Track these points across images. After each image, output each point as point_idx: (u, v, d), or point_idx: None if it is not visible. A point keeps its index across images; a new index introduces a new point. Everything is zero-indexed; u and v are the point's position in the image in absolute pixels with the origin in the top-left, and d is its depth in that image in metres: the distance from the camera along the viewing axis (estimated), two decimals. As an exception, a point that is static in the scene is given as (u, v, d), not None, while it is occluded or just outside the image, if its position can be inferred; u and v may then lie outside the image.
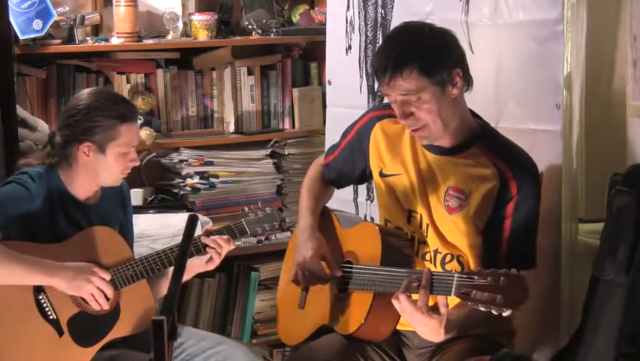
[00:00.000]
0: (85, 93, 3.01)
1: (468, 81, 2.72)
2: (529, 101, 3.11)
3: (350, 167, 3.03)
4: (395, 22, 3.60)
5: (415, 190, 2.80)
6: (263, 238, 3.11)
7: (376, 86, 3.63)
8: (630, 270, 2.67)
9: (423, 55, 2.63)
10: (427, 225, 2.78)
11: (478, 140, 2.75)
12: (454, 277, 2.46)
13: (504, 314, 2.36)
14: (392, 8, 3.66)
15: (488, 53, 3.24)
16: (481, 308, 2.38)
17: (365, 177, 3.02)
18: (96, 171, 2.95)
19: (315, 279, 2.88)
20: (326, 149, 3.45)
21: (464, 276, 2.44)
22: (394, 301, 2.56)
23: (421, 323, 2.53)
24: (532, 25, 3.07)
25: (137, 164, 3.00)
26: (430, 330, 2.53)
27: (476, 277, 2.41)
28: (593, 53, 3.09)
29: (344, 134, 3.06)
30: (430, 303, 2.52)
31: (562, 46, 2.96)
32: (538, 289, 3.04)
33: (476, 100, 3.21)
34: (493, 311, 2.36)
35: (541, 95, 3.06)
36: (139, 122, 3.02)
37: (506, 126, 3.13)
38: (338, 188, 3.16)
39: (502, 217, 2.69)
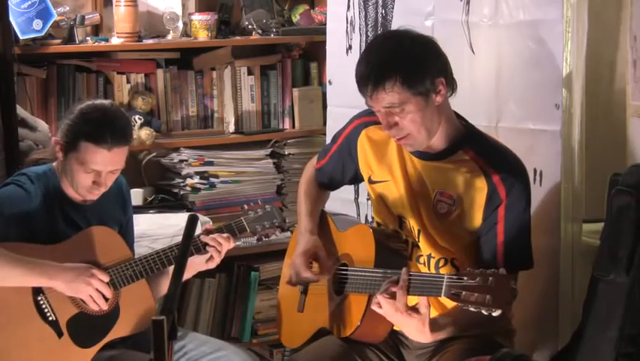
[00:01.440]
0: (90, 102, 2.99)
1: (452, 86, 2.71)
2: (529, 101, 3.12)
3: (340, 172, 3.04)
4: (396, 22, 3.60)
5: (404, 197, 2.80)
6: (263, 235, 3.10)
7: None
8: (630, 270, 2.67)
9: (405, 68, 2.61)
10: (419, 230, 2.78)
11: (464, 143, 2.74)
12: (443, 278, 2.47)
13: (494, 314, 2.36)
14: (393, 8, 3.66)
15: (488, 53, 3.25)
16: (471, 309, 2.38)
17: (357, 179, 3.03)
18: (67, 174, 2.94)
19: (301, 277, 2.89)
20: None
21: (454, 277, 2.45)
22: (374, 306, 2.57)
23: (403, 323, 2.56)
24: (533, 25, 3.07)
25: (101, 189, 2.94)
26: (415, 330, 2.55)
27: (466, 278, 2.41)
28: (593, 53, 3.09)
29: (334, 140, 3.06)
30: (414, 303, 2.54)
31: (562, 46, 2.96)
32: (537, 290, 3.05)
33: (476, 100, 3.23)
34: (483, 311, 2.36)
35: (541, 95, 3.06)
36: (117, 152, 2.90)
37: (506, 126, 3.14)
38: (331, 191, 3.16)
39: (494, 222, 2.69)
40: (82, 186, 2.92)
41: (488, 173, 2.69)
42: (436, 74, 2.64)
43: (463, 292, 2.39)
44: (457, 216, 2.71)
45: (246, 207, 3.11)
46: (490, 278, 2.37)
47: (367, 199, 3.80)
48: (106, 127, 2.89)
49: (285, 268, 3.15)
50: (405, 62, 2.62)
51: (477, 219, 2.70)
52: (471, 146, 2.73)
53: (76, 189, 2.94)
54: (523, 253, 2.73)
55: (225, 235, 2.97)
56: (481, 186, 2.69)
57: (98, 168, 2.89)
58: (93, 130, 2.88)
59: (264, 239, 3.14)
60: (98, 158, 2.87)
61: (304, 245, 2.93)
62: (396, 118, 2.65)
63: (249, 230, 3.06)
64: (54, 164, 3.00)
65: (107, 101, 3.13)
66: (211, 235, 2.96)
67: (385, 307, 2.54)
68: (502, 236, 2.68)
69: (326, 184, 3.11)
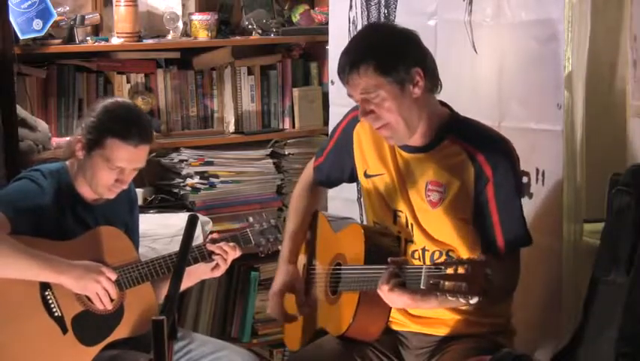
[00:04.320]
0: (113, 100, 3.02)
1: (435, 83, 2.73)
2: (531, 100, 3.12)
3: (339, 168, 3.03)
4: (398, 22, 3.59)
5: (397, 190, 2.80)
6: (266, 249, 3.12)
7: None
8: (630, 270, 2.68)
9: (378, 53, 2.65)
10: (412, 224, 2.78)
11: (449, 132, 2.74)
12: (422, 269, 2.48)
13: (471, 302, 2.37)
14: (395, 8, 3.66)
15: (491, 53, 3.25)
16: (449, 298, 2.39)
17: (354, 176, 3.02)
18: (86, 172, 2.95)
19: (282, 317, 3.00)
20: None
21: (432, 267, 2.47)
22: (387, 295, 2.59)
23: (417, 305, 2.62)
24: (534, 24, 3.07)
25: (122, 187, 2.97)
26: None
27: (443, 268, 2.43)
28: (593, 53, 3.09)
29: (330, 136, 3.06)
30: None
31: (563, 46, 2.96)
32: (539, 289, 3.05)
33: (479, 100, 3.22)
34: (461, 300, 2.37)
35: (543, 95, 3.06)
36: (142, 148, 2.93)
37: (509, 126, 3.14)
38: (329, 188, 3.16)
39: (485, 202, 2.69)
40: (103, 184, 2.93)
41: (472, 154, 2.70)
42: (412, 63, 2.66)
43: (441, 282, 2.41)
44: (449, 202, 2.72)
45: (250, 219, 3.12)
46: (466, 266, 2.38)
47: (358, 198, 3.77)
48: (133, 124, 2.91)
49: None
50: (379, 48, 2.67)
51: (468, 202, 2.71)
52: (454, 132, 2.74)
53: (95, 188, 2.95)
54: (520, 229, 2.73)
55: (232, 243, 2.98)
56: (467, 167, 2.70)
57: (123, 165, 2.91)
58: (121, 126, 2.89)
59: (266, 252, 3.15)
60: (124, 154, 2.89)
61: (280, 280, 3.00)
62: (372, 106, 2.67)
63: (253, 242, 3.07)
64: (67, 162, 3.01)
65: (128, 100, 3.15)
66: (217, 244, 2.97)
67: (399, 300, 2.57)
68: (497, 215, 2.69)
69: (324, 182, 3.10)
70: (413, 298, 2.53)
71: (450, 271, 2.41)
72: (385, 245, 2.80)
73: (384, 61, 2.64)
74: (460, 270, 2.39)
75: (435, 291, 2.43)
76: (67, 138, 3.06)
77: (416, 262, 2.77)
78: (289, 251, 3.03)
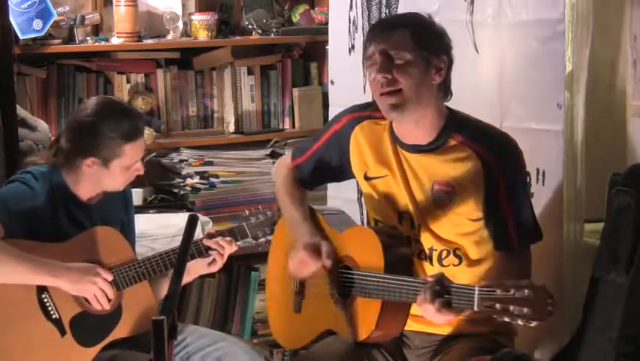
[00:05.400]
0: (92, 105, 2.97)
1: (448, 86, 2.73)
2: (531, 100, 3.12)
3: (325, 169, 2.98)
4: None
5: (402, 191, 2.78)
6: (263, 240, 3.10)
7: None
8: (630, 270, 2.68)
9: (418, 25, 2.71)
10: (419, 224, 2.77)
11: (451, 129, 2.73)
12: (474, 290, 2.43)
13: (531, 325, 2.34)
14: (397, 8, 3.66)
15: (492, 53, 3.25)
16: (506, 319, 2.35)
17: (341, 177, 3.00)
18: (99, 180, 2.95)
19: (306, 267, 2.82)
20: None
21: (485, 289, 2.41)
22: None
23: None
24: (535, 24, 3.08)
25: (141, 173, 3.00)
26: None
27: (499, 291, 2.37)
28: (593, 53, 3.09)
29: (316, 137, 3.00)
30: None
31: (564, 45, 2.97)
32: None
33: (480, 99, 3.22)
34: (520, 322, 2.34)
35: (543, 95, 3.06)
36: (145, 135, 3.00)
37: (510, 126, 3.14)
38: (309, 190, 3.10)
39: (495, 199, 2.68)
40: (124, 181, 2.98)
41: (480, 154, 2.69)
42: (442, 50, 2.70)
43: (497, 305, 2.36)
44: (458, 201, 2.71)
45: (247, 212, 3.11)
46: (526, 290, 2.33)
47: (359, 197, 3.76)
48: (132, 120, 2.94)
49: (272, 266, 3.12)
50: (419, 22, 2.73)
51: (478, 200, 2.70)
52: (458, 130, 2.73)
53: (113, 187, 2.98)
54: (532, 223, 2.73)
55: (228, 238, 2.98)
56: (476, 167, 2.69)
57: (137, 159, 2.95)
58: (127, 128, 2.91)
59: (264, 245, 3.14)
60: (137, 151, 2.94)
61: (307, 237, 2.82)
62: (392, 65, 2.65)
63: (250, 235, 3.05)
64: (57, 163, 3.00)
65: (103, 97, 3.14)
66: (213, 239, 2.96)
67: (441, 318, 2.53)
68: (509, 211, 2.68)
69: (306, 182, 3.04)
70: (457, 316, 2.53)
71: (506, 293, 2.36)
72: (398, 247, 2.77)
73: (421, 33, 2.68)
74: (520, 293, 2.34)
75: (489, 313, 2.38)
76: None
77: (424, 263, 2.76)
78: (311, 229, 2.86)
